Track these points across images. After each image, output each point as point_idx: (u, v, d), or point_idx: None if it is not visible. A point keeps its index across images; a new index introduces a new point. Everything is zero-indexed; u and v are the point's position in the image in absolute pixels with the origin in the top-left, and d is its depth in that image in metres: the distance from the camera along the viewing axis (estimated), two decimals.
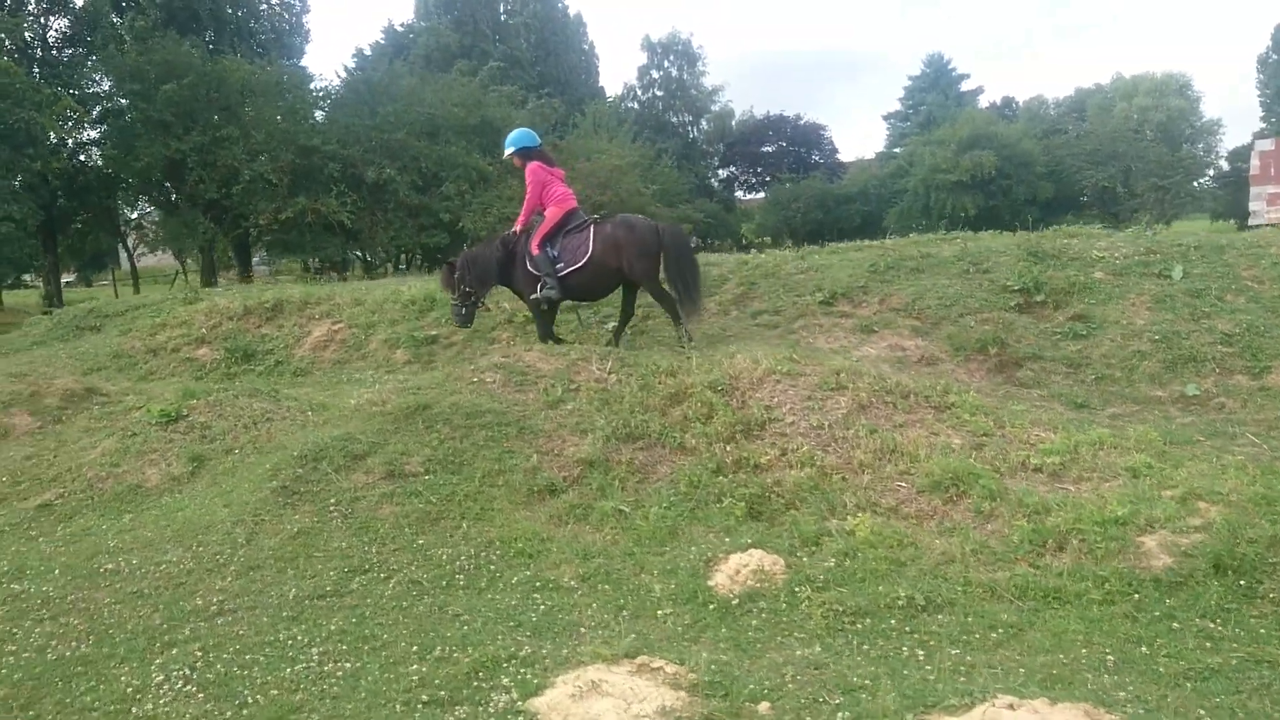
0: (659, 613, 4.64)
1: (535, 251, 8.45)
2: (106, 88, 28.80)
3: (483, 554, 5.36)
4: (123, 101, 28.72)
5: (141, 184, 29.43)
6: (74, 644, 4.49)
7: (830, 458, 6.02)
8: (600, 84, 68.22)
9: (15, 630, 4.68)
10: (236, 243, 31.21)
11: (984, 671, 3.88)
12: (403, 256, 33.68)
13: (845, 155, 74.60)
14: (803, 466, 5.97)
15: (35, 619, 4.81)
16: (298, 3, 38.00)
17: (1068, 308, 8.35)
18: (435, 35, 52.04)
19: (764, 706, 3.64)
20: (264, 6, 36.69)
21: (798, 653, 4.16)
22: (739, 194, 74.58)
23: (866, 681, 3.81)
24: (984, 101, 70.51)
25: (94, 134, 29.07)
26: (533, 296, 8.55)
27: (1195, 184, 59.92)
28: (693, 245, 8.62)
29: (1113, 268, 8.78)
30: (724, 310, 9.31)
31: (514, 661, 4.07)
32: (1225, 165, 63.75)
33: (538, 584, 5.00)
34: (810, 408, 6.50)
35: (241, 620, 4.68)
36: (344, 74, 43.00)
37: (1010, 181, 55.10)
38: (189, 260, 37.73)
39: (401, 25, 56.63)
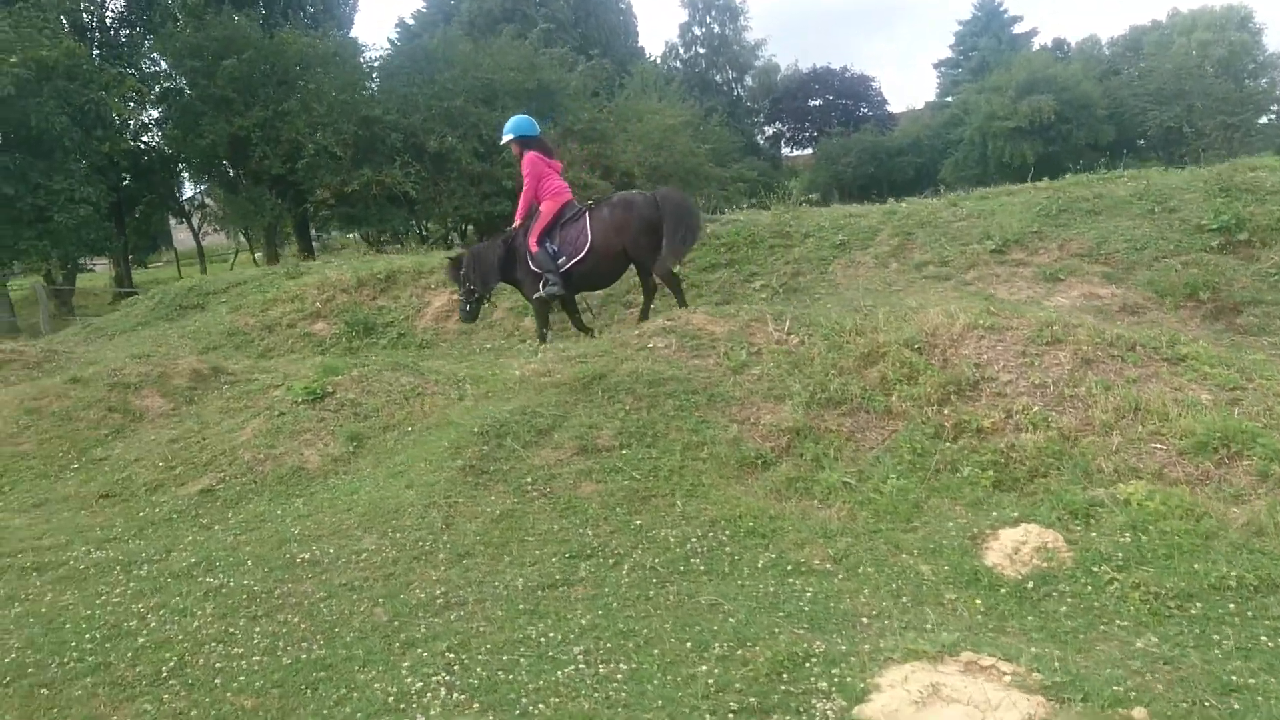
0: (944, 599, 4.15)
1: (534, 249, 8.14)
2: (164, 67, 28.52)
3: (710, 534, 4.90)
4: (181, 81, 28.49)
5: (203, 162, 29.20)
6: (304, 645, 4.10)
7: (1065, 419, 5.47)
8: (640, 44, 67.00)
9: (232, 630, 4.31)
10: (298, 218, 30.98)
11: None
12: (461, 227, 33.24)
13: (894, 106, 72.89)
14: (1036, 429, 5.44)
15: (248, 616, 4.43)
16: None
17: (1277, 246, 7.67)
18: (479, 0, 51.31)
19: (1139, 712, 3.15)
20: None
21: (1136, 644, 3.66)
22: (785, 150, 73.39)
23: (1249, 680, 3.30)
24: (1037, 44, 68.26)
25: (155, 114, 28.88)
26: (536, 295, 8.22)
27: (1262, 120, 57.72)
28: (693, 202, 8.40)
29: None
30: (882, 263, 8.73)
31: (816, 660, 3.60)
32: None
33: (788, 568, 4.53)
34: (1026, 364, 5.95)
35: (475, 615, 4.26)
36: (389, 46, 42.59)
37: (1070, 126, 53.45)
38: (243, 237, 37.73)
39: None
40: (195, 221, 31.54)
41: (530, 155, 8.20)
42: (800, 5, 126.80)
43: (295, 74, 27.96)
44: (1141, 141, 58.67)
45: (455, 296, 8.84)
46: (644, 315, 8.31)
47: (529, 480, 5.52)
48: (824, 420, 5.88)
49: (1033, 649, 3.58)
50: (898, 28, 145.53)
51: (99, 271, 37.82)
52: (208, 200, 31.88)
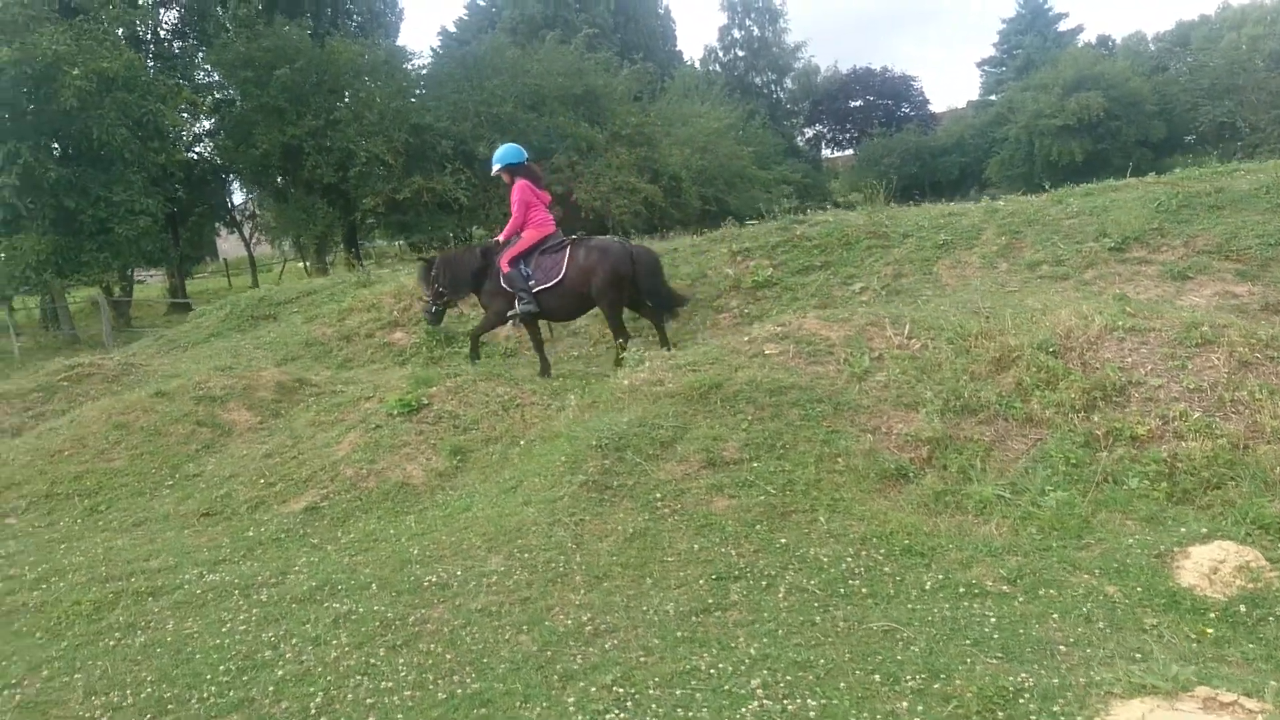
0: (1144, 624, 3.82)
1: (506, 269, 8.34)
2: (217, 78, 28.70)
3: (864, 553, 4.60)
4: (232, 92, 28.66)
5: (255, 172, 29.32)
6: (454, 678, 3.86)
7: (1231, 426, 5.11)
8: (678, 49, 66.85)
9: (373, 661, 4.07)
10: (347, 227, 31.05)
11: None
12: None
13: (935, 106, 72.07)
14: (1200, 437, 5.07)
15: (387, 646, 4.19)
16: None
17: None
18: (521, 6, 51.37)
19: None
20: None
21: None
22: (825, 152, 72.97)
23: None
24: (1082, 41, 67.11)
25: (207, 125, 29.07)
26: (510, 313, 8.42)
27: None
28: (659, 264, 8.58)
29: None
30: (990, 263, 8.37)
31: (1028, 695, 3.29)
32: None
33: (959, 589, 4.21)
34: (1176, 367, 5.59)
35: (630, 643, 3.99)
36: (431, 54, 42.68)
37: (1119, 123, 52.42)
38: (287, 247, 37.80)
39: (484, 0, 56.10)
40: (246, 231, 31.66)
41: (520, 183, 8.31)
42: (833, 8, 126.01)
43: (345, 82, 28.04)
44: (1190, 138, 57.53)
45: (424, 298, 9.13)
46: (664, 343, 8.45)
47: (658, 496, 5.25)
48: (961, 429, 5.55)
49: (1272, 682, 3.24)
50: (932, 29, 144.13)
51: (150, 283, 38.24)
52: (259, 210, 32.00)
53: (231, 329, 12.57)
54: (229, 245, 43.53)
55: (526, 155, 8.62)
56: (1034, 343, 6.01)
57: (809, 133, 72.39)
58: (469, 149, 28.53)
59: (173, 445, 7.80)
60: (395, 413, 7.20)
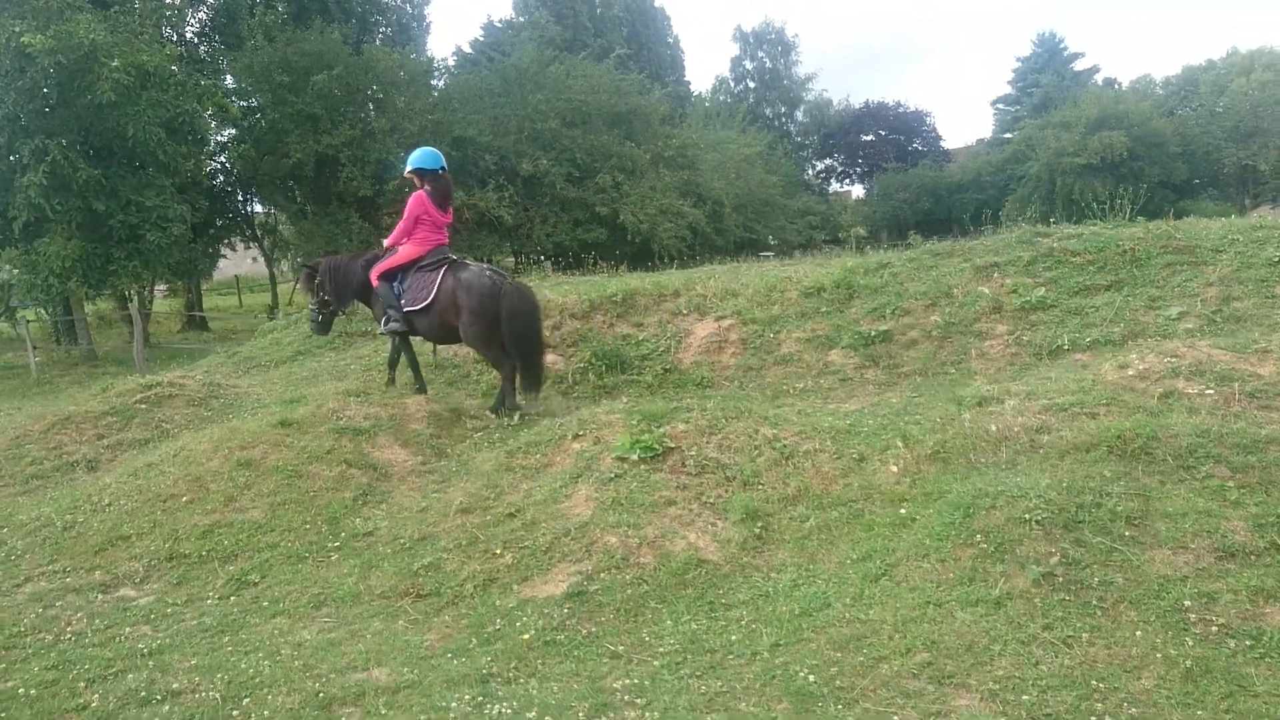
0: None
1: (375, 284, 7.81)
2: (245, 84, 26.90)
3: None
4: (255, 101, 26.85)
5: (279, 185, 27.41)
6: None
7: None
8: (687, 79, 66.00)
9: None
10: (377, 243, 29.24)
11: None
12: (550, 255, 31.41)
13: (947, 143, 71.41)
14: None
15: None
16: None
17: None
18: (539, 29, 50.10)
19: None
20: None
21: None
22: (835, 185, 72.27)
23: None
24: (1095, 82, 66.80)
25: (231, 132, 27.14)
26: (380, 331, 8.07)
27: None
28: (535, 306, 7.58)
29: None
30: None
31: None
32: None
33: None
34: None
35: None
36: (447, 73, 41.22)
37: (1142, 163, 51.69)
38: (286, 267, 35.73)
39: (500, 22, 54.95)
40: (266, 245, 29.68)
41: (418, 195, 7.56)
42: (841, 42, 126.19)
43: (386, 91, 26.37)
44: (1198, 180, 57.12)
45: (310, 306, 8.68)
46: (524, 390, 7.47)
47: (1183, 603, 3.52)
48: None
49: None
50: (941, 66, 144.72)
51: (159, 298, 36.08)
52: (281, 224, 30.05)
53: (321, 346, 10.76)
54: (225, 264, 41.44)
55: (443, 164, 7.74)
56: None
57: (819, 165, 71.55)
58: (511, 165, 26.90)
59: (321, 492, 6.02)
60: (634, 457, 5.45)
